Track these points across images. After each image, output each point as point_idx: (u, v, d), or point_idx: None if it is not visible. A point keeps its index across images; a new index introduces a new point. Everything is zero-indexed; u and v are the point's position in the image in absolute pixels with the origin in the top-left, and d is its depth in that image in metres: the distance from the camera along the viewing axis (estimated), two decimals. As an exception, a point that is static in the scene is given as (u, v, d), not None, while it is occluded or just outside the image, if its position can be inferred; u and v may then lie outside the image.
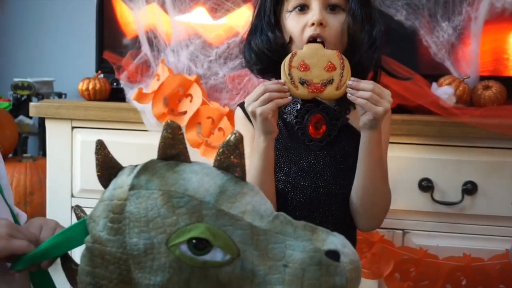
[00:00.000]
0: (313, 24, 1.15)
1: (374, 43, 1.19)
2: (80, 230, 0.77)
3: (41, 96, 2.04)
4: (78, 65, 2.12)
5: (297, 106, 1.22)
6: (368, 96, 1.06)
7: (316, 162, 1.20)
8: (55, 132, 1.78)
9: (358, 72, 1.16)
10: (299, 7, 1.18)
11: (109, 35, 1.88)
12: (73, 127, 1.77)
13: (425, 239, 1.58)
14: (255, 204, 0.69)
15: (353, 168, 1.19)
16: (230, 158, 0.70)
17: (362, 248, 1.53)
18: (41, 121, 1.99)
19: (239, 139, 0.69)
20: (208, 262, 0.66)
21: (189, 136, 1.59)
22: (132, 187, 0.71)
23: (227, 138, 0.70)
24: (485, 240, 1.57)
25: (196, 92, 1.60)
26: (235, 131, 0.70)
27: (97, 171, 0.75)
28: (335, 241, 0.67)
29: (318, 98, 1.16)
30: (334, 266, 0.65)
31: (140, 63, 1.76)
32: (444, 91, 1.56)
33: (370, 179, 1.16)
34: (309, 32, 1.16)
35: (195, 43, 1.71)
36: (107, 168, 0.75)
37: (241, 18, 1.73)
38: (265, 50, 1.22)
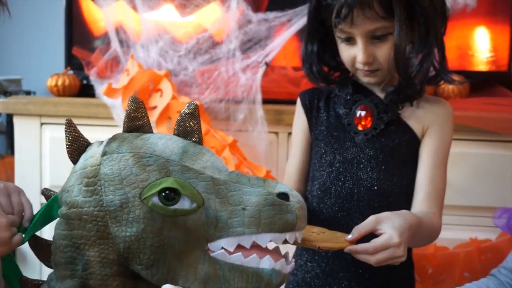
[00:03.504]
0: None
1: (428, 56, 1.14)
2: (52, 206, 0.82)
3: (9, 94, 2.04)
4: (47, 63, 2.12)
5: (347, 97, 1.21)
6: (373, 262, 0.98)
7: (361, 154, 1.18)
8: (23, 129, 1.78)
9: (413, 90, 1.15)
10: (345, 39, 1.14)
11: (78, 32, 1.89)
12: (42, 124, 1.78)
13: (392, 229, 1.62)
14: (213, 161, 0.79)
15: (401, 165, 1.17)
16: (188, 125, 0.80)
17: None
18: (9, 120, 1.99)
19: (195, 107, 0.80)
20: (177, 210, 0.75)
21: (159, 131, 1.60)
22: (104, 154, 0.79)
23: (185, 107, 0.80)
24: (449, 229, 1.55)
25: (166, 87, 1.62)
26: (192, 102, 0.80)
27: (67, 147, 0.82)
28: (283, 186, 0.78)
29: (369, 88, 1.19)
30: (285, 205, 0.75)
31: (109, 59, 1.78)
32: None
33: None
34: (360, 67, 1.14)
35: (165, 38, 1.73)
36: (77, 143, 0.82)
37: (210, 15, 1.76)
38: (316, 70, 1.21)
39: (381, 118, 1.18)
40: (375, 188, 1.16)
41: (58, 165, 1.72)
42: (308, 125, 1.25)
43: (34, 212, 0.88)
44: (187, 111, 0.80)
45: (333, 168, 1.19)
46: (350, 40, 1.13)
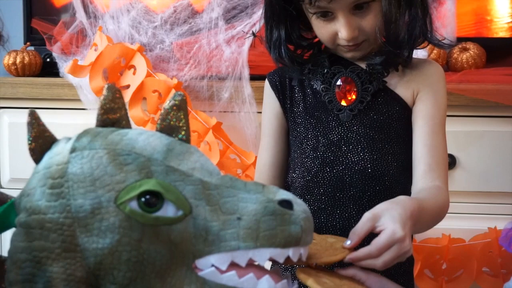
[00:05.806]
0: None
1: (415, 19, 1.10)
2: (9, 214, 0.76)
3: (-40, 75, 1.97)
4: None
5: (324, 70, 1.16)
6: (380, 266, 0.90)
7: (348, 134, 1.13)
8: (-22, 114, 1.79)
9: (401, 58, 1.14)
10: (320, 14, 1.09)
11: (38, 2, 1.86)
12: (-1, 108, 1.79)
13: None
14: (203, 162, 0.74)
15: (394, 140, 1.13)
16: (173, 120, 0.75)
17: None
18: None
19: (182, 99, 0.75)
20: (160, 218, 0.69)
21: (133, 113, 1.58)
22: (73, 150, 0.73)
23: (169, 100, 0.75)
24: (465, 219, 1.60)
25: (140, 63, 1.59)
26: (179, 92, 0.75)
27: (29, 143, 0.76)
28: (286, 193, 0.73)
29: (351, 60, 1.14)
30: (289, 215, 0.70)
31: (74, 32, 1.76)
32: (416, 55, 1.51)
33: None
34: (343, 43, 1.10)
35: (137, 8, 1.72)
36: (41, 139, 0.76)
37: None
38: (287, 54, 1.16)
39: (366, 89, 1.13)
40: (369, 170, 1.11)
41: (19, 155, 1.70)
42: (281, 108, 1.20)
43: None
44: (172, 103, 0.75)
45: (318, 153, 1.14)
46: (327, 15, 1.09)
